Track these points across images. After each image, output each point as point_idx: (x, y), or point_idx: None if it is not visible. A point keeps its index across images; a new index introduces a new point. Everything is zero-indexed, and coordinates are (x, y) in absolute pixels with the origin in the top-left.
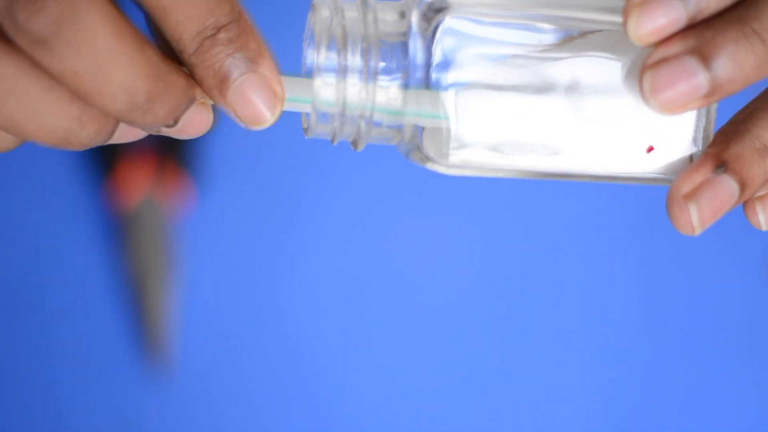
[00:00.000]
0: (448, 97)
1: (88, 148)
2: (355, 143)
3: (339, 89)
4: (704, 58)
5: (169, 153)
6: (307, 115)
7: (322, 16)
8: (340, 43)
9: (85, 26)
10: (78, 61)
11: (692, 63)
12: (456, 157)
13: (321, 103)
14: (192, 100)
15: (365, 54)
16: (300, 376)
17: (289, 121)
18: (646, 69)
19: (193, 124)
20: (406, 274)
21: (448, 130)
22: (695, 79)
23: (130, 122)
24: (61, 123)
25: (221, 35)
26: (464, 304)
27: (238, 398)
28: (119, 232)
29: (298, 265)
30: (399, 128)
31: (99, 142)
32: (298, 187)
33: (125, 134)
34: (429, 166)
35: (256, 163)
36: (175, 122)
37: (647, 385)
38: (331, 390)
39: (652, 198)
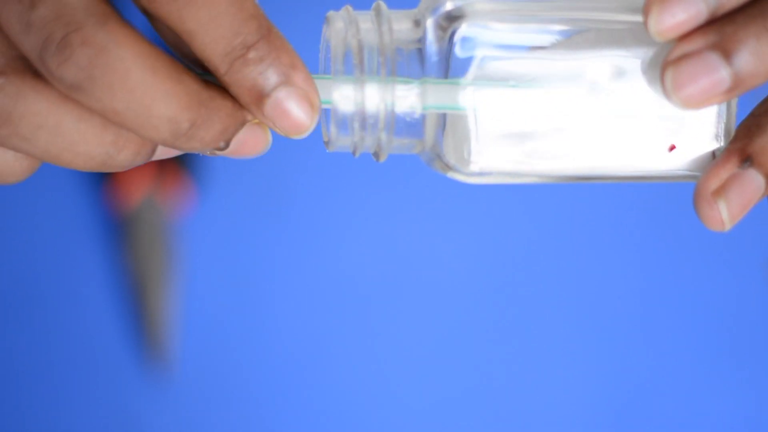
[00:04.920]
0: (466, 98)
1: (130, 168)
2: (376, 155)
3: (358, 100)
4: (726, 53)
5: None
6: (328, 128)
7: (336, 28)
8: (356, 55)
9: (116, 68)
10: (116, 100)
11: (714, 58)
12: (477, 164)
13: (341, 116)
14: (242, 122)
15: (382, 64)
16: (301, 376)
17: None
18: (667, 65)
19: (247, 144)
20: (409, 275)
21: (468, 135)
22: (717, 74)
23: (178, 148)
24: (96, 150)
25: (251, 54)
26: (464, 305)
27: (238, 398)
28: (119, 232)
29: (299, 266)
30: (420, 138)
31: (140, 161)
32: (298, 187)
33: (167, 151)
34: (450, 174)
35: (257, 163)
36: (226, 145)
37: (647, 385)
38: (332, 390)
39: (651, 196)
